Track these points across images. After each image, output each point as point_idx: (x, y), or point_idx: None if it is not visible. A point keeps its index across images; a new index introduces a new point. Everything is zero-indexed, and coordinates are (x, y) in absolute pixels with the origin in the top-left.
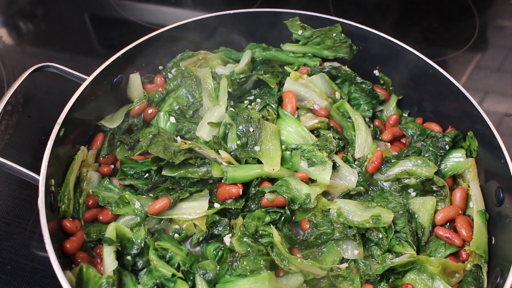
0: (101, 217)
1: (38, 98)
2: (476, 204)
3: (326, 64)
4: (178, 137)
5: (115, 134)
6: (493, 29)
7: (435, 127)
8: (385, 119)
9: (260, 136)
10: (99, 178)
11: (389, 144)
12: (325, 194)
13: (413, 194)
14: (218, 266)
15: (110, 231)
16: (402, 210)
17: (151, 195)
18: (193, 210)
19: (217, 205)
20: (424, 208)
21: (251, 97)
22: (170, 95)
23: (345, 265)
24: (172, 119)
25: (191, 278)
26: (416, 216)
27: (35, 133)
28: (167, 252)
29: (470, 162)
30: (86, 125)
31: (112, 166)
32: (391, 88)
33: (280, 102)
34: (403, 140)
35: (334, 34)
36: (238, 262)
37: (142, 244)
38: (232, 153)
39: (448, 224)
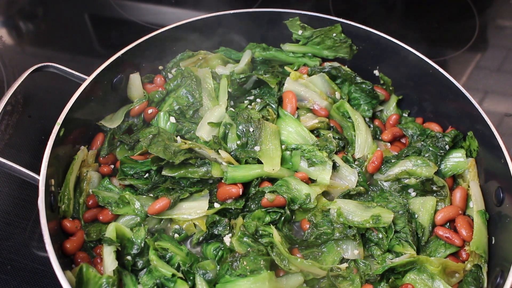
0: (101, 217)
1: (38, 98)
2: (476, 204)
3: (326, 64)
4: (178, 137)
5: (115, 134)
6: (493, 29)
7: (435, 127)
8: (385, 119)
9: (260, 136)
10: (99, 178)
11: (389, 144)
12: (325, 194)
13: (413, 194)
14: (218, 266)
15: (110, 231)
16: (402, 210)
17: (151, 195)
18: (193, 210)
19: (217, 205)
20: (424, 208)
21: (251, 97)
22: (170, 95)
23: (345, 265)
24: (172, 119)
25: (191, 278)
26: (416, 216)
27: (35, 133)
28: (167, 252)
29: (470, 162)
30: (86, 125)
31: (112, 166)
32: (391, 88)
33: (280, 102)
34: (403, 140)
35: (334, 34)
36: (238, 262)
37: (142, 244)
38: (232, 153)
39: (448, 224)
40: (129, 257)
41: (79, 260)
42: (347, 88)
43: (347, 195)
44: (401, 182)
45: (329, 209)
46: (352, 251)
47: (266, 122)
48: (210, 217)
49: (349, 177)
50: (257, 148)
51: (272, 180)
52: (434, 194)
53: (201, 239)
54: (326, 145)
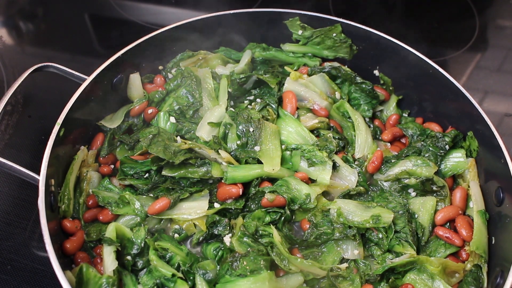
0: (101, 217)
1: (38, 98)
2: (476, 204)
3: (326, 64)
4: (178, 137)
5: (115, 134)
6: (493, 29)
7: (435, 127)
8: (385, 119)
9: (260, 136)
10: (99, 178)
11: (389, 144)
12: (325, 194)
13: (413, 194)
14: (218, 266)
15: (110, 231)
16: (402, 210)
17: (151, 195)
18: (193, 210)
19: (217, 205)
20: (424, 208)
21: (251, 97)
22: (170, 95)
23: (345, 265)
24: (172, 119)
25: (191, 278)
26: (416, 216)
27: (35, 133)
28: (167, 252)
29: (470, 162)
30: (86, 125)
31: (112, 166)
32: (391, 88)
33: (280, 102)
34: (403, 140)
35: (334, 34)
36: (238, 262)
37: (142, 244)
38: (232, 153)
39: (448, 224)
40: (129, 257)
41: (79, 260)
42: (347, 88)
43: (347, 195)
44: (401, 182)
45: (329, 209)
46: (352, 251)
47: (266, 122)
48: (210, 217)
49: (349, 177)
50: (257, 148)
51: (272, 180)
52: (434, 194)
53: (201, 239)
54: (326, 145)
